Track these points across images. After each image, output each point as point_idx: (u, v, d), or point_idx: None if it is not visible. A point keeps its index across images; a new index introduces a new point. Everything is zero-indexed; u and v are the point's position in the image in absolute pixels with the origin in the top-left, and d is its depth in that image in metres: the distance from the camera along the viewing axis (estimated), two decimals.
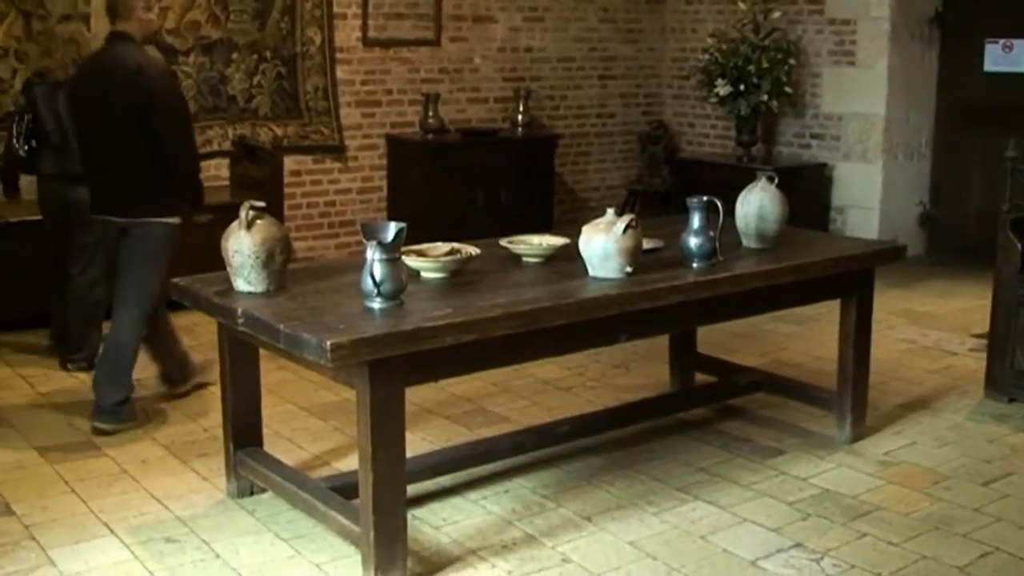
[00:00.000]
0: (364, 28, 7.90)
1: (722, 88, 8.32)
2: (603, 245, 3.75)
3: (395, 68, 8.11)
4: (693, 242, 4.02)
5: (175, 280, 3.86)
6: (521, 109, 8.51)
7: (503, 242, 4.18)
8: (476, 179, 7.98)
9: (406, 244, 3.46)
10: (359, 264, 3.39)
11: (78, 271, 5.52)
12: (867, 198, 8.34)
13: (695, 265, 4.01)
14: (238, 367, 3.94)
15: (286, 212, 7.22)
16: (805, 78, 8.55)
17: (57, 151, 5.48)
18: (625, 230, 3.73)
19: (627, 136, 9.47)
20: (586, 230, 3.83)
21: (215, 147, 7.37)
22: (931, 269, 8.06)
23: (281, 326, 3.23)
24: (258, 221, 3.58)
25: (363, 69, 7.89)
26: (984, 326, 5.39)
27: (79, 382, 5.31)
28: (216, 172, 7.39)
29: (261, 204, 3.63)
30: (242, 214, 3.57)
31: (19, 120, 5.59)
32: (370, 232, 3.31)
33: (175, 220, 4.76)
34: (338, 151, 7.93)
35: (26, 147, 5.53)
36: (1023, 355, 5.07)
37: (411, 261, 3.72)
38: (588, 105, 9.22)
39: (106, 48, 4.80)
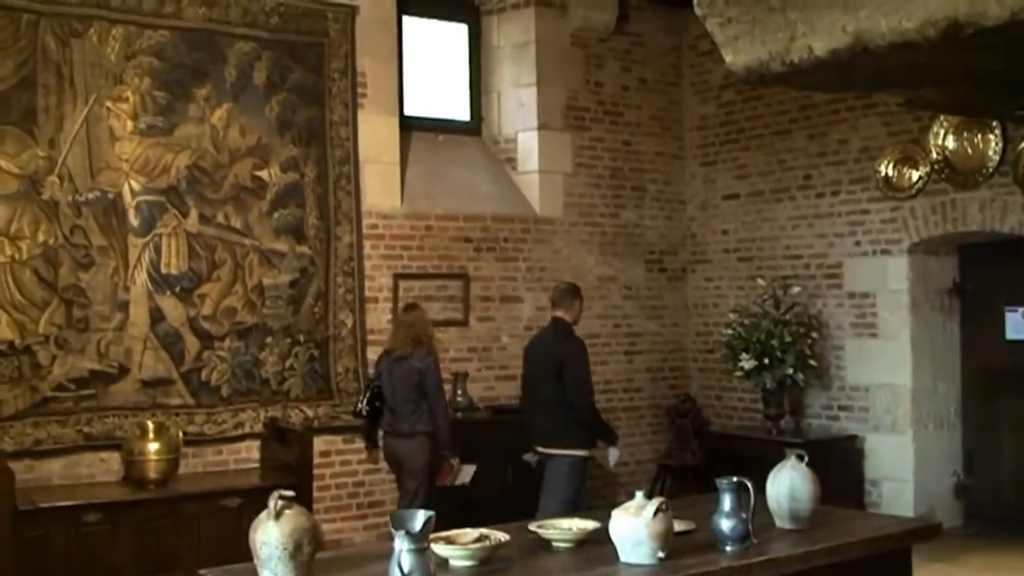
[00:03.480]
0: (395, 311, 8.10)
1: (746, 362, 8.40)
2: (633, 530, 3.71)
3: None
4: (725, 524, 3.97)
5: (201, 572, 3.82)
6: None
7: (532, 526, 4.14)
8: (505, 456, 7.96)
9: (435, 529, 3.44)
10: (387, 553, 3.36)
11: None
12: (900, 469, 8.23)
13: (728, 548, 3.94)
14: None
15: (315, 493, 7.20)
16: (829, 350, 8.63)
17: (390, 412, 6.99)
18: (655, 514, 3.70)
19: (655, 410, 9.52)
20: (616, 514, 3.80)
21: (247, 429, 7.45)
22: (970, 541, 7.86)
23: None
24: (287, 511, 3.57)
25: None
26: None
27: None
28: (247, 454, 7.44)
29: (290, 493, 3.63)
30: (271, 504, 3.56)
31: (368, 387, 7.20)
32: (399, 521, 3.30)
33: (582, 453, 6.62)
34: None
35: (367, 408, 7.06)
36: None
37: (440, 549, 3.68)
38: (615, 380, 9.32)
39: (549, 327, 6.94)
